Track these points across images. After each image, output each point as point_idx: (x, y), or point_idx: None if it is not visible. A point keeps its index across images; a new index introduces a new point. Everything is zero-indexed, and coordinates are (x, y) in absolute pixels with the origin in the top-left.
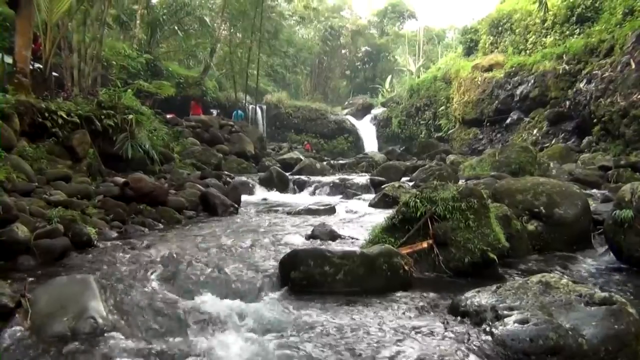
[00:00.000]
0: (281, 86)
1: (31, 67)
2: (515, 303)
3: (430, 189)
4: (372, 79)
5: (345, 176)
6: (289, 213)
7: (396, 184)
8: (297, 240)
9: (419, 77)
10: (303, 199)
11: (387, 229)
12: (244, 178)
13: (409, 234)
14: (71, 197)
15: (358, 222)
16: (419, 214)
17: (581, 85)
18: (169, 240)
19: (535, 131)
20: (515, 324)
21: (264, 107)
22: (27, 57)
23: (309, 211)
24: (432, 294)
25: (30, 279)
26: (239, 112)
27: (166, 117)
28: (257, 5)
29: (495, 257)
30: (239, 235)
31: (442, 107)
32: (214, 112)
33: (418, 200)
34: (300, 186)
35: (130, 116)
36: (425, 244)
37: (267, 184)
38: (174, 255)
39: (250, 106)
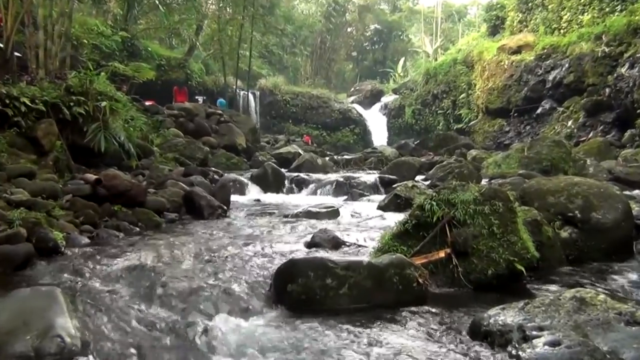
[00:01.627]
0: (277, 69)
1: None
2: (545, 322)
3: (448, 190)
4: (383, 62)
5: (351, 174)
6: (285, 216)
7: (409, 183)
8: (295, 248)
9: (436, 59)
10: (302, 199)
11: (398, 235)
12: (234, 175)
13: (423, 242)
14: (35, 197)
15: (365, 228)
16: (435, 218)
17: (623, 70)
18: (147, 247)
19: (569, 123)
20: (546, 347)
21: (258, 93)
22: None
23: (309, 214)
24: (449, 311)
25: None
26: (222, 100)
27: (145, 105)
28: None
29: (522, 269)
30: (227, 242)
31: (463, 95)
32: (200, 99)
33: (434, 203)
34: (299, 185)
35: (104, 103)
36: (442, 254)
37: (261, 182)
38: (153, 265)
39: (242, 92)
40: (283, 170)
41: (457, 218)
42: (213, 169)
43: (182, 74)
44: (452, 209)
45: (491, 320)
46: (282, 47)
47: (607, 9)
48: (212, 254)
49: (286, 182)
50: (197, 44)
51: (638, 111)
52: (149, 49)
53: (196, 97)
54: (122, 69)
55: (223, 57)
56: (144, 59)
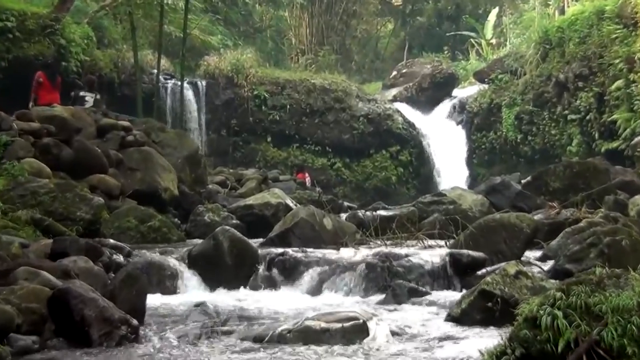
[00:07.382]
0: (243, 36)
1: None
2: None
3: (588, 287)
4: (454, 18)
5: (392, 248)
6: (257, 340)
7: (511, 268)
8: None
9: (562, 13)
10: (292, 303)
11: None
12: (154, 255)
13: None
14: None
15: None
16: (562, 345)
17: None
18: None
19: None
20: None
21: (203, 84)
22: None
23: (306, 335)
24: None
25: None
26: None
27: None
28: None
29: None
30: None
31: (619, 83)
32: (89, 96)
33: (560, 313)
34: (287, 273)
35: None
36: None
37: (209, 268)
38: None
39: (171, 82)
40: (254, 242)
41: (606, 343)
42: (112, 241)
43: (50, 46)
44: (596, 324)
45: None
46: None
47: None
48: None
49: (260, 266)
50: None
51: None
52: None
53: (82, 94)
54: None
55: (132, 14)
56: None
